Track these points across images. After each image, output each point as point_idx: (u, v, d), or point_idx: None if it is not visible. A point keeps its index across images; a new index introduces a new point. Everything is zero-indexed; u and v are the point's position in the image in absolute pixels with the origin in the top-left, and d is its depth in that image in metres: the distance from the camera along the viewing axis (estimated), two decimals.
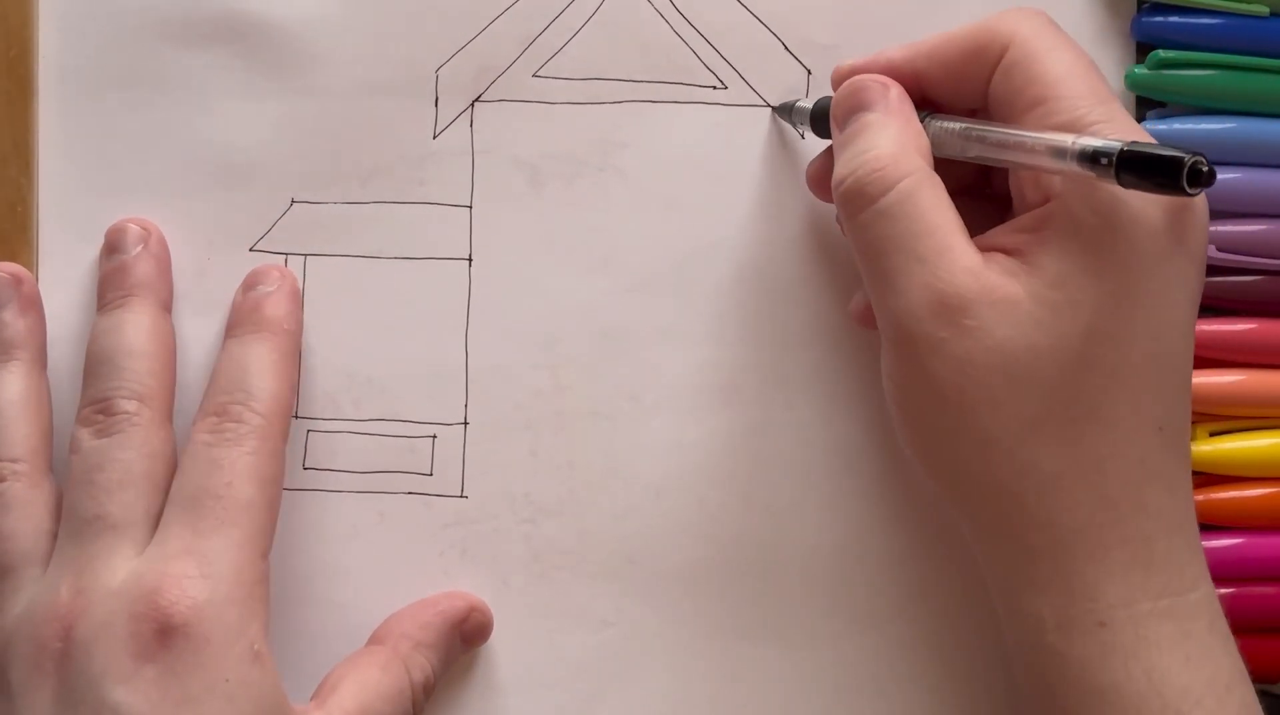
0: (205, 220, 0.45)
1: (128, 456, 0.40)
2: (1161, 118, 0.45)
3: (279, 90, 0.45)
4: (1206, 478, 0.45)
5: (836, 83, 0.42)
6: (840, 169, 0.39)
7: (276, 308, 0.43)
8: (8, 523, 0.41)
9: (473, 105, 0.45)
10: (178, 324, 0.44)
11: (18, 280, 0.44)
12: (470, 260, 0.45)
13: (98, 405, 0.41)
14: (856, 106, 0.40)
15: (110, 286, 0.43)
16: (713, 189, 0.45)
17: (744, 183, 0.45)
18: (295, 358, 0.44)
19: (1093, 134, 0.36)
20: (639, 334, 0.45)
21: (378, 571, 0.45)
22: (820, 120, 0.42)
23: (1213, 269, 0.44)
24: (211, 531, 0.39)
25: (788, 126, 0.45)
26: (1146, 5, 0.45)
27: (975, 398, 0.37)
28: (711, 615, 0.45)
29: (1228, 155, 0.44)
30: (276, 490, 0.41)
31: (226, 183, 0.45)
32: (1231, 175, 0.44)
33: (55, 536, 0.41)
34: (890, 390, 0.39)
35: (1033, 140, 0.36)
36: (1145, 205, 0.36)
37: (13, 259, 0.44)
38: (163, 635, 0.37)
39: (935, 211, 0.37)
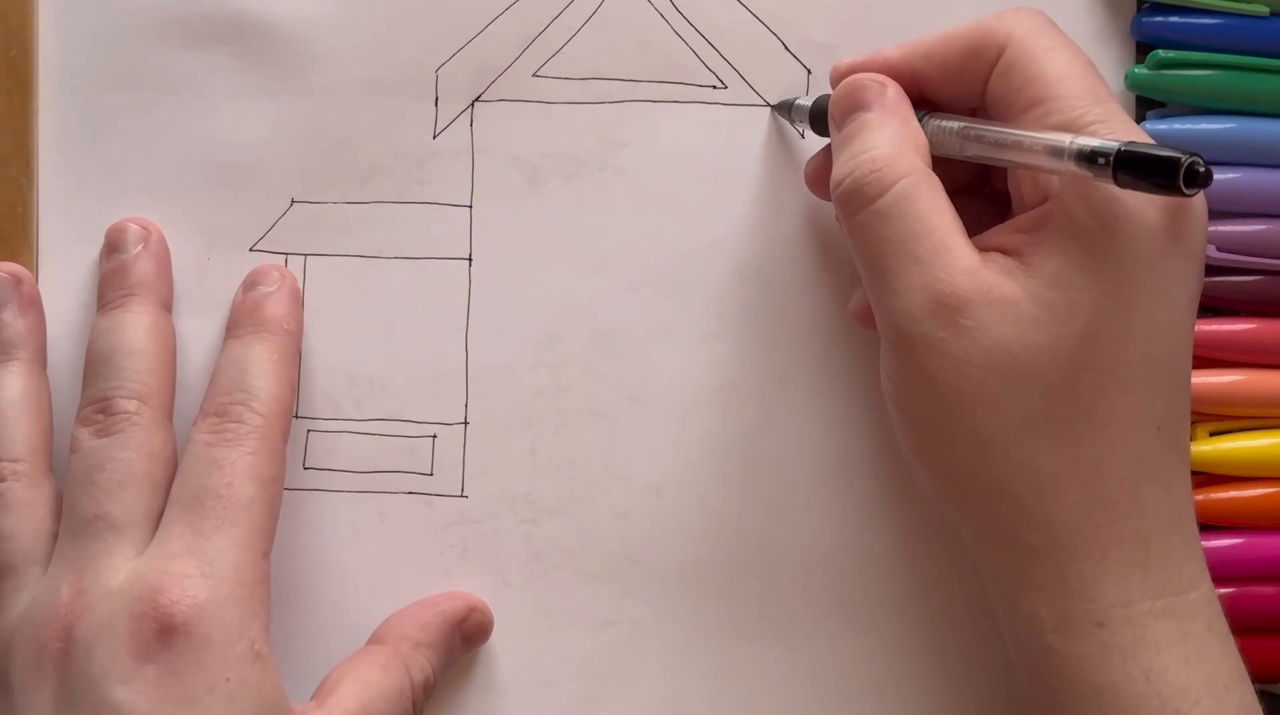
0: (205, 220, 0.45)
1: (128, 456, 0.40)
2: (1161, 118, 0.45)
3: (279, 90, 0.45)
4: (1206, 478, 0.45)
5: (834, 81, 0.41)
6: (838, 169, 0.39)
7: (277, 308, 0.43)
8: (8, 523, 0.41)
9: (473, 105, 0.45)
10: (178, 324, 0.44)
11: (18, 280, 0.44)
12: (470, 260, 0.45)
13: (98, 405, 0.41)
14: (854, 106, 0.40)
15: (110, 286, 0.43)
16: (712, 188, 0.45)
17: (743, 182, 0.45)
18: (295, 358, 0.44)
19: (1090, 134, 0.36)
20: (639, 334, 0.45)
21: (378, 571, 0.45)
22: (820, 118, 0.42)
23: (1212, 269, 0.44)
24: (212, 531, 0.39)
25: (787, 125, 0.45)
26: (1146, 5, 0.45)
27: (973, 397, 0.37)
28: (711, 615, 0.45)
29: (1227, 155, 0.44)
30: (277, 490, 0.41)
31: (226, 183, 0.45)
32: (1231, 175, 0.44)
33: (55, 536, 0.41)
34: (889, 390, 0.39)
35: (1030, 140, 0.36)
36: (1143, 205, 0.36)
37: (13, 259, 0.44)
38: (163, 635, 0.37)
39: (933, 212, 0.37)
